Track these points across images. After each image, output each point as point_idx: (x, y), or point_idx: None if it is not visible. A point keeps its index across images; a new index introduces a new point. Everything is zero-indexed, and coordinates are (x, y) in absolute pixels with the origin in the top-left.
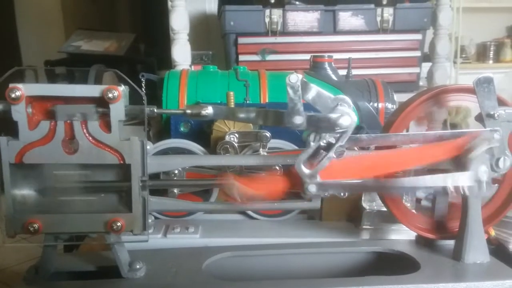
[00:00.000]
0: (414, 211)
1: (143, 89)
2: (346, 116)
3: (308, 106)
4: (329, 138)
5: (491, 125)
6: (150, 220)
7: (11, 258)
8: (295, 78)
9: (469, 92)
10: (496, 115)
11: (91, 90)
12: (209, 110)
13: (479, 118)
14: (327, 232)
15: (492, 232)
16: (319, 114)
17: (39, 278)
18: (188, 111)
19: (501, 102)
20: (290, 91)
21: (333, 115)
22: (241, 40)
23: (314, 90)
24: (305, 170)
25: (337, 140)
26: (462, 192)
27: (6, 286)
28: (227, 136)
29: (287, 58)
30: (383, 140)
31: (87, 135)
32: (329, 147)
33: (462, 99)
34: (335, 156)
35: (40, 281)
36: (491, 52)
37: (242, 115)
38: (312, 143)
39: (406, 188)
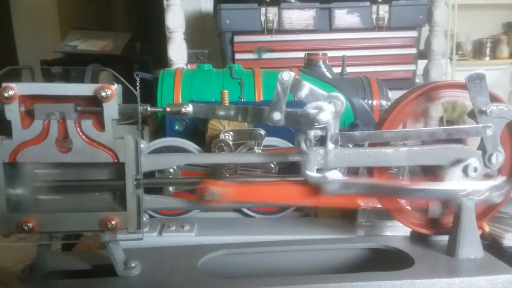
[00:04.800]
0: (408, 207)
1: (137, 88)
2: (324, 112)
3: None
4: (317, 132)
5: (484, 121)
6: (144, 219)
7: (9, 258)
8: (287, 76)
9: (462, 88)
10: (488, 111)
11: (84, 89)
12: (189, 108)
13: (472, 115)
14: (323, 229)
15: (486, 228)
16: (298, 110)
17: (34, 277)
18: (168, 109)
19: (493, 98)
20: (279, 87)
21: (312, 111)
22: (237, 38)
23: (307, 87)
24: (316, 175)
25: (326, 131)
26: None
27: (3, 285)
28: (222, 134)
29: (283, 56)
30: (376, 137)
31: (80, 134)
32: (322, 141)
33: (455, 95)
34: (333, 145)
35: (35, 280)
36: (488, 49)
37: (221, 113)
38: (305, 149)
39: (424, 193)
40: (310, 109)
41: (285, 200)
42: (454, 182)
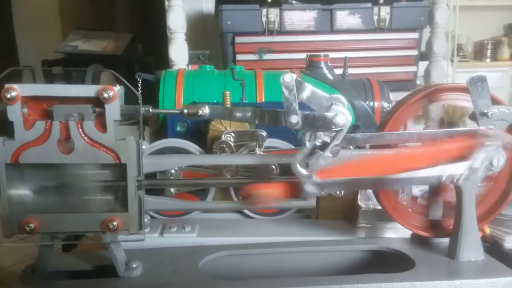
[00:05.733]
0: (409, 209)
1: (139, 89)
2: (342, 115)
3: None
4: (324, 137)
5: (485, 124)
6: (146, 220)
7: (9, 258)
8: (289, 77)
9: (463, 91)
10: (489, 113)
11: (86, 90)
12: (206, 110)
13: (473, 117)
14: (323, 230)
15: (487, 230)
16: (314, 113)
17: (35, 277)
18: (185, 111)
19: (495, 101)
20: (285, 90)
21: (329, 114)
22: (238, 39)
23: (309, 89)
24: (302, 170)
25: (333, 139)
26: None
27: (4, 286)
28: (223, 136)
29: (284, 57)
30: (378, 139)
31: (82, 135)
32: (324, 146)
33: (456, 98)
34: (330, 155)
35: (36, 281)
36: (489, 51)
37: (238, 115)
38: (307, 143)
39: (402, 182)
40: (328, 112)
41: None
42: (440, 167)
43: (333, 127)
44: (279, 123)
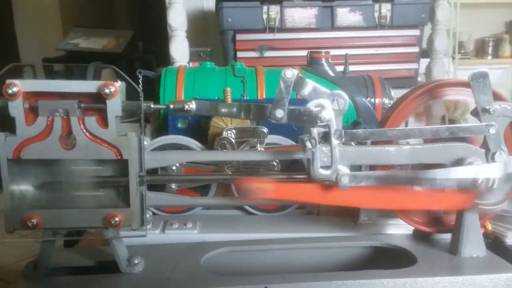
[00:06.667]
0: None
1: (140, 86)
2: (327, 109)
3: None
4: (319, 129)
5: (487, 120)
6: (148, 216)
7: (11, 256)
8: (290, 73)
9: (465, 87)
10: (491, 109)
11: (88, 85)
12: (192, 105)
13: (475, 113)
14: (325, 226)
15: (489, 226)
16: (300, 108)
17: (37, 273)
18: (172, 106)
19: (497, 97)
20: (282, 84)
21: (314, 109)
22: (239, 36)
23: (310, 85)
24: (325, 172)
25: (330, 128)
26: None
27: (6, 283)
28: (224, 132)
29: (285, 55)
30: (379, 135)
31: (84, 130)
32: (326, 136)
33: (458, 94)
34: (338, 141)
35: (38, 277)
36: (490, 48)
37: (224, 110)
38: (310, 147)
39: (438, 180)
40: (312, 106)
41: (311, 199)
42: (473, 168)
43: (318, 121)
44: (264, 118)
